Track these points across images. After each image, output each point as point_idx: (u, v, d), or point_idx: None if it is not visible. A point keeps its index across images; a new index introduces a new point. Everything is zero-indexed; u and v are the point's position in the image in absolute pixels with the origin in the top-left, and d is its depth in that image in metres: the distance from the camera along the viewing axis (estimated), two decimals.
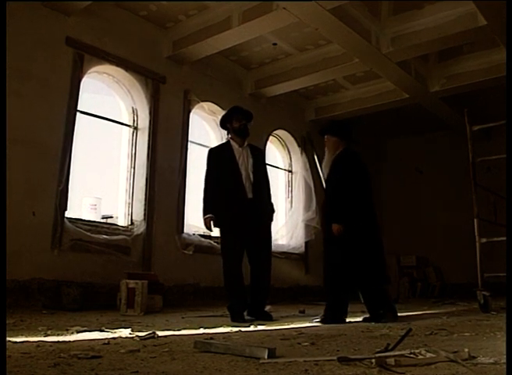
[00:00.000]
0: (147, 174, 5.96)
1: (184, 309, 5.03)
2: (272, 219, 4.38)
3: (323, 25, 5.53)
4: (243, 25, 5.62)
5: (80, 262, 5.11)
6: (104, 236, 5.38)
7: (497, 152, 5.14)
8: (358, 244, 3.97)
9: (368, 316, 4.02)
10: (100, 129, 6.20)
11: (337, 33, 5.74)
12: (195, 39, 6.07)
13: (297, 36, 6.46)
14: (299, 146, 8.37)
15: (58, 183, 5.08)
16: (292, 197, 8.23)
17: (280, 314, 4.81)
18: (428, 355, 1.87)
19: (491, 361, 1.78)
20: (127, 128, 6.16)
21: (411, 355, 1.85)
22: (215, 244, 6.19)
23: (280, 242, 7.72)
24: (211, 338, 2.59)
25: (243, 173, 4.17)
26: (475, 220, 4.83)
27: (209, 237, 6.50)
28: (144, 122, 6.14)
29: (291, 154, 8.48)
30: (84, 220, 5.54)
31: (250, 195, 4.13)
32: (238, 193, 4.12)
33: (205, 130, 7.32)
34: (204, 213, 4.15)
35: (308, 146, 8.40)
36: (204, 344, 2.15)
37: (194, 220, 6.57)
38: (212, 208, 4.14)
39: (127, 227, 5.81)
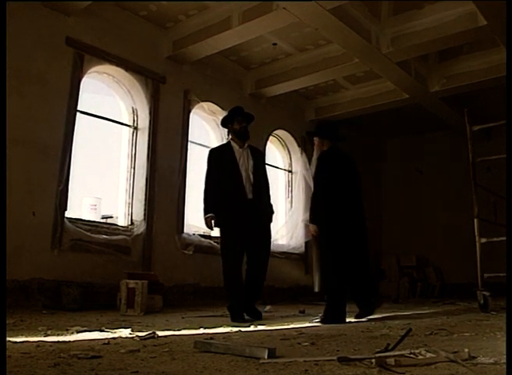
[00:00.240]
0: (147, 174, 5.96)
1: (184, 309, 5.03)
2: (271, 221, 4.43)
3: (323, 25, 5.53)
4: (243, 25, 5.62)
5: (80, 262, 5.11)
6: (104, 236, 5.38)
7: (497, 152, 5.13)
8: (341, 243, 3.97)
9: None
10: (100, 129, 6.20)
11: (337, 33, 5.74)
12: (195, 39, 6.07)
13: (297, 36, 6.46)
14: (299, 146, 8.36)
15: (58, 183, 5.08)
16: (292, 197, 8.23)
17: (280, 314, 4.80)
18: (428, 355, 1.87)
19: (491, 361, 1.78)
20: (127, 128, 6.16)
21: (411, 355, 1.85)
22: (215, 244, 6.19)
23: (280, 242, 7.72)
24: (211, 338, 2.59)
25: (244, 173, 4.20)
26: (475, 220, 4.83)
27: (209, 237, 6.50)
28: (143, 122, 6.14)
29: (291, 154, 8.48)
30: (84, 220, 5.54)
31: (250, 196, 4.17)
32: (238, 193, 4.15)
33: (205, 130, 7.32)
34: (205, 213, 4.18)
35: (308, 146, 8.39)
36: (204, 344, 2.15)
37: (194, 220, 6.57)
38: (213, 208, 4.17)
39: (127, 227, 5.81)
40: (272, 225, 4.50)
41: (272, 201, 4.50)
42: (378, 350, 2.01)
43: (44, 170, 5.00)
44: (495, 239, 4.76)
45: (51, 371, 1.65)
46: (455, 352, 1.92)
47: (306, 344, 2.42)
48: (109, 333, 2.79)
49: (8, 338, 2.35)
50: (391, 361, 1.73)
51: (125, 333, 2.79)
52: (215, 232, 5.70)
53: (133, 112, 6.18)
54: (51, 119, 5.13)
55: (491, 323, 3.58)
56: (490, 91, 7.37)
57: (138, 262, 5.64)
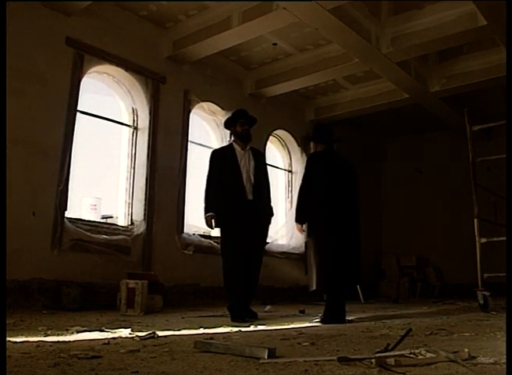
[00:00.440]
0: (147, 174, 5.96)
1: (184, 309, 5.03)
2: (270, 222, 4.48)
3: (323, 25, 5.53)
4: (243, 25, 5.62)
5: (80, 262, 5.11)
6: (104, 236, 5.38)
7: (497, 152, 5.14)
8: (330, 244, 3.99)
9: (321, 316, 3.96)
10: (100, 129, 6.20)
11: (337, 33, 5.74)
12: (195, 39, 6.07)
13: (297, 36, 6.46)
14: (299, 146, 8.37)
15: (58, 183, 5.08)
16: (292, 197, 8.23)
17: (280, 314, 4.80)
18: (428, 355, 1.87)
19: (491, 361, 1.78)
20: (127, 128, 6.16)
21: (411, 355, 1.85)
22: (215, 244, 6.19)
23: (280, 242, 7.72)
24: (211, 338, 2.59)
25: (245, 175, 4.26)
26: (475, 220, 4.84)
27: (209, 237, 6.51)
28: (143, 122, 6.14)
29: (291, 154, 8.48)
30: (84, 220, 5.54)
31: (250, 197, 4.22)
32: (239, 194, 4.20)
33: (205, 130, 7.32)
34: (206, 212, 4.23)
35: (308, 146, 8.39)
36: (204, 344, 2.15)
37: (194, 220, 6.57)
38: (213, 208, 4.22)
39: (127, 227, 5.81)
40: (270, 226, 4.55)
41: (272, 203, 4.54)
42: (378, 350, 2.01)
43: (44, 170, 5.00)
44: (495, 239, 4.76)
45: (51, 371, 1.65)
46: (455, 352, 1.92)
47: (306, 344, 2.42)
48: (109, 333, 2.78)
49: (8, 338, 2.35)
50: (391, 361, 1.73)
51: (125, 333, 2.79)
52: (215, 232, 5.73)
53: (133, 112, 6.18)
54: (51, 119, 5.13)
55: (491, 323, 3.58)
56: (490, 91, 7.37)
57: (138, 262, 5.64)
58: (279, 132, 8.21)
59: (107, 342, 2.39)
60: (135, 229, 5.77)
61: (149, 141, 6.05)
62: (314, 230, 4.08)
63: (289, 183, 8.40)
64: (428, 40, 5.93)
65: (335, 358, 1.85)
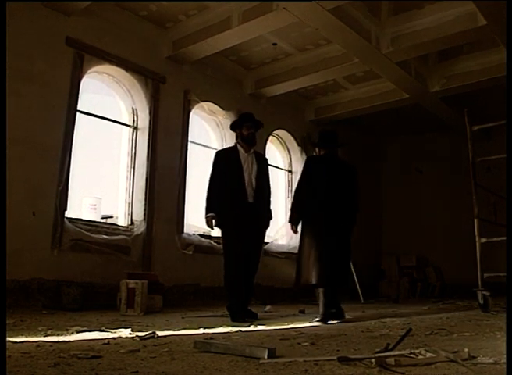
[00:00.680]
0: (147, 174, 5.96)
1: (184, 309, 5.03)
2: (268, 225, 4.58)
3: (323, 25, 5.53)
4: (243, 25, 5.62)
5: (80, 262, 5.11)
6: (104, 236, 5.38)
7: (497, 152, 5.13)
8: (315, 242, 4.11)
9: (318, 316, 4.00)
10: (100, 129, 6.20)
11: (337, 33, 5.74)
12: (195, 39, 6.07)
13: (297, 36, 6.46)
14: (299, 146, 8.37)
15: (58, 183, 5.08)
16: (292, 197, 8.22)
17: (280, 314, 4.80)
18: (428, 355, 1.87)
19: (491, 361, 1.78)
20: (127, 128, 6.16)
21: (411, 355, 1.85)
22: (215, 244, 6.20)
23: (280, 242, 7.72)
24: (211, 338, 2.59)
25: (246, 178, 4.32)
26: (475, 220, 4.84)
27: (209, 237, 6.51)
28: (143, 122, 6.14)
29: (291, 154, 8.48)
30: (84, 220, 5.54)
31: (250, 200, 4.28)
32: (239, 196, 4.26)
33: (205, 130, 7.32)
34: (207, 212, 4.28)
35: (308, 146, 8.40)
36: (204, 344, 2.15)
37: (194, 220, 6.57)
38: (214, 208, 4.27)
39: (127, 227, 5.81)
40: (269, 228, 4.67)
41: (271, 207, 4.61)
42: (378, 350, 2.01)
43: (44, 170, 5.00)
44: (495, 239, 4.76)
45: (51, 371, 1.65)
46: (455, 352, 1.92)
47: (306, 344, 2.42)
48: (109, 333, 2.79)
49: (8, 338, 2.35)
50: (391, 361, 1.73)
51: (125, 333, 2.79)
52: (215, 232, 5.74)
53: (133, 112, 6.18)
54: (51, 119, 5.13)
55: (491, 323, 3.58)
56: (490, 91, 7.37)
57: (138, 262, 5.64)
58: (279, 132, 8.21)
59: (107, 342, 2.39)
60: (135, 229, 5.77)
61: (149, 140, 6.05)
62: (313, 229, 4.16)
63: (289, 183, 8.39)
64: (428, 40, 5.92)
65: (335, 358, 1.85)
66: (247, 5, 5.53)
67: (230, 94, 7.18)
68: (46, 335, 2.65)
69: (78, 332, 2.81)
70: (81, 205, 6.11)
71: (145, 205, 5.88)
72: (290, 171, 8.46)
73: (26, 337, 2.56)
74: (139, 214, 5.88)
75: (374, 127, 9.62)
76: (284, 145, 8.46)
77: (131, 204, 5.94)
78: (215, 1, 5.70)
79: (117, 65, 5.83)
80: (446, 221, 9.24)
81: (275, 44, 6.65)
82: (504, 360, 1.76)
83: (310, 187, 4.19)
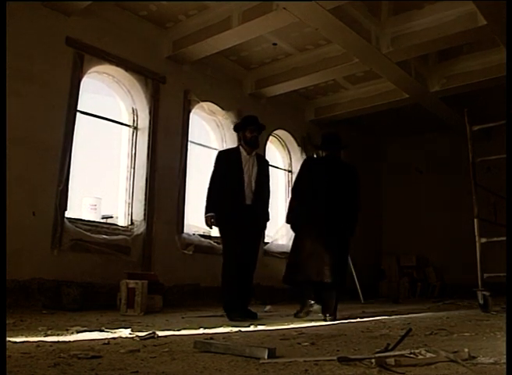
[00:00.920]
0: (147, 174, 5.96)
1: (184, 309, 5.03)
2: (265, 227, 4.68)
3: (323, 25, 5.53)
4: (243, 25, 5.62)
5: (80, 262, 5.11)
6: (104, 236, 5.38)
7: (497, 152, 5.13)
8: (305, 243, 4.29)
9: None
10: (100, 129, 6.21)
11: (337, 33, 5.74)
12: (195, 39, 6.07)
13: (297, 36, 6.46)
14: (299, 146, 8.37)
15: (58, 183, 5.08)
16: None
17: (280, 314, 4.80)
18: (428, 355, 1.87)
19: (491, 361, 1.78)
20: (127, 128, 6.16)
21: (411, 355, 1.85)
22: (215, 244, 6.20)
23: (280, 242, 7.72)
24: (211, 338, 2.59)
25: (246, 180, 4.36)
26: (475, 220, 4.83)
27: (209, 237, 6.51)
28: (144, 122, 6.14)
29: (291, 154, 8.48)
30: (84, 220, 5.54)
31: (248, 202, 4.33)
32: (238, 198, 4.30)
33: (205, 130, 7.32)
34: (206, 211, 4.32)
35: (308, 146, 8.40)
36: (204, 344, 2.15)
37: (194, 220, 6.57)
38: (213, 208, 4.31)
39: (127, 227, 5.81)
40: (267, 229, 4.80)
41: (269, 209, 4.65)
42: (378, 350, 2.01)
43: (44, 170, 5.00)
44: (495, 239, 4.75)
45: (51, 371, 1.65)
46: (455, 352, 1.92)
47: (306, 344, 2.42)
48: (109, 333, 2.78)
49: (8, 338, 2.35)
50: (391, 361, 1.73)
51: (125, 333, 2.79)
52: (215, 232, 5.74)
53: (133, 112, 6.17)
54: (51, 119, 5.13)
55: (491, 323, 3.58)
56: (490, 91, 7.37)
57: (138, 262, 5.64)
58: (279, 132, 8.21)
59: (107, 342, 2.39)
60: (135, 229, 5.77)
61: (149, 141, 6.05)
62: (295, 232, 4.41)
63: (289, 183, 8.39)
64: (428, 40, 5.92)
65: (335, 358, 1.85)
66: (247, 5, 5.53)
67: (230, 94, 7.18)
68: (46, 335, 2.65)
69: (78, 332, 2.81)
70: (81, 205, 6.12)
71: (145, 205, 5.88)
72: (290, 171, 8.46)
73: (26, 337, 2.56)
74: (139, 214, 5.88)
75: (374, 127, 9.61)
76: (284, 145, 8.46)
77: (131, 204, 5.94)
78: (215, 1, 5.70)
79: (117, 65, 5.83)
80: (446, 221, 9.24)
81: (275, 44, 6.65)
82: (504, 360, 1.75)
83: (305, 188, 4.31)
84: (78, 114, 5.43)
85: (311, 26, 5.63)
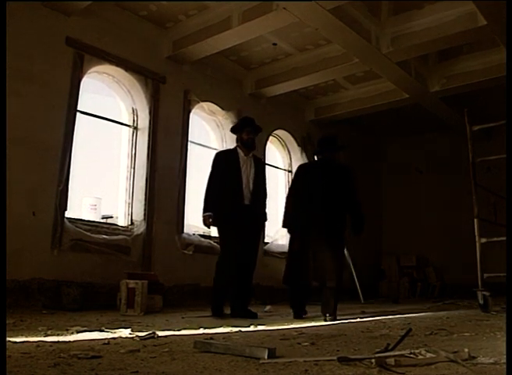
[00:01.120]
0: (147, 174, 5.96)
1: (184, 309, 5.03)
2: (263, 227, 4.79)
3: (323, 25, 5.53)
4: (243, 25, 5.62)
5: (80, 262, 5.11)
6: (104, 236, 5.38)
7: (497, 152, 5.13)
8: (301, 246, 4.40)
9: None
10: (100, 129, 6.20)
11: (337, 33, 5.74)
12: (195, 39, 6.07)
13: (297, 36, 6.46)
14: (299, 146, 8.37)
15: (58, 183, 5.08)
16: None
17: (280, 314, 4.80)
18: (428, 355, 1.87)
19: (491, 361, 1.78)
20: (127, 128, 6.16)
21: (411, 355, 1.85)
22: (215, 244, 6.19)
23: (280, 242, 7.71)
24: (211, 338, 2.59)
25: (244, 180, 4.42)
26: (475, 220, 4.83)
27: (209, 237, 6.50)
28: (143, 122, 6.14)
29: (291, 154, 8.48)
30: (84, 220, 5.54)
31: (246, 202, 4.39)
32: (236, 198, 4.36)
33: (205, 130, 7.32)
34: (204, 211, 4.37)
35: (308, 146, 8.40)
36: (204, 344, 2.15)
37: (194, 220, 6.57)
38: (211, 208, 4.35)
39: (127, 227, 5.81)
40: (265, 229, 4.96)
41: (268, 209, 4.71)
42: (378, 350, 2.01)
43: (44, 170, 5.00)
44: (495, 239, 4.75)
45: (51, 371, 1.65)
46: (455, 352, 1.92)
47: (306, 344, 2.42)
48: (109, 333, 2.78)
49: (8, 338, 2.35)
50: (391, 361, 1.73)
51: (125, 333, 2.79)
52: (214, 232, 5.73)
53: (133, 112, 6.17)
54: (51, 119, 5.13)
55: (491, 323, 3.58)
56: (490, 91, 7.37)
57: (138, 262, 5.64)
58: (279, 132, 8.20)
59: (107, 342, 2.39)
60: (135, 229, 5.77)
61: (149, 141, 6.05)
62: (291, 236, 4.52)
63: (289, 183, 8.39)
64: (428, 40, 5.92)
65: (335, 358, 1.85)
66: (247, 5, 5.53)
67: (230, 94, 7.18)
68: (46, 335, 2.65)
69: (78, 332, 2.81)
70: (81, 205, 6.11)
71: (145, 205, 5.88)
72: (290, 171, 8.46)
73: (26, 337, 2.56)
74: (139, 214, 5.88)
75: (374, 127, 9.61)
76: (284, 145, 8.46)
77: (131, 204, 5.94)
78: (215, 1, 5.70)
79: (117, 65, 5.83)
80: (446, 221, 9.24)
81: (275, 44, 6.65)
82: (504, 360, 1.75)
83: (301, 192, 4.40)
84: (78, 114, 5.43)
85: (311, 26, 5.63)
